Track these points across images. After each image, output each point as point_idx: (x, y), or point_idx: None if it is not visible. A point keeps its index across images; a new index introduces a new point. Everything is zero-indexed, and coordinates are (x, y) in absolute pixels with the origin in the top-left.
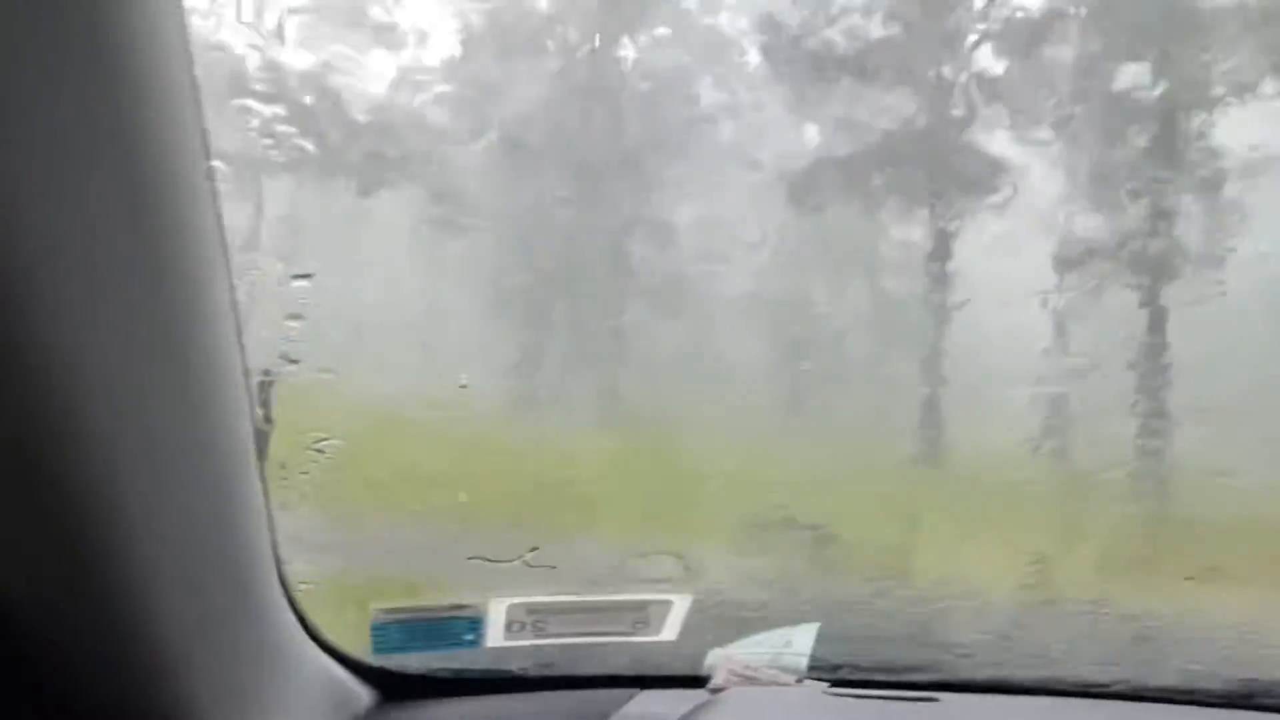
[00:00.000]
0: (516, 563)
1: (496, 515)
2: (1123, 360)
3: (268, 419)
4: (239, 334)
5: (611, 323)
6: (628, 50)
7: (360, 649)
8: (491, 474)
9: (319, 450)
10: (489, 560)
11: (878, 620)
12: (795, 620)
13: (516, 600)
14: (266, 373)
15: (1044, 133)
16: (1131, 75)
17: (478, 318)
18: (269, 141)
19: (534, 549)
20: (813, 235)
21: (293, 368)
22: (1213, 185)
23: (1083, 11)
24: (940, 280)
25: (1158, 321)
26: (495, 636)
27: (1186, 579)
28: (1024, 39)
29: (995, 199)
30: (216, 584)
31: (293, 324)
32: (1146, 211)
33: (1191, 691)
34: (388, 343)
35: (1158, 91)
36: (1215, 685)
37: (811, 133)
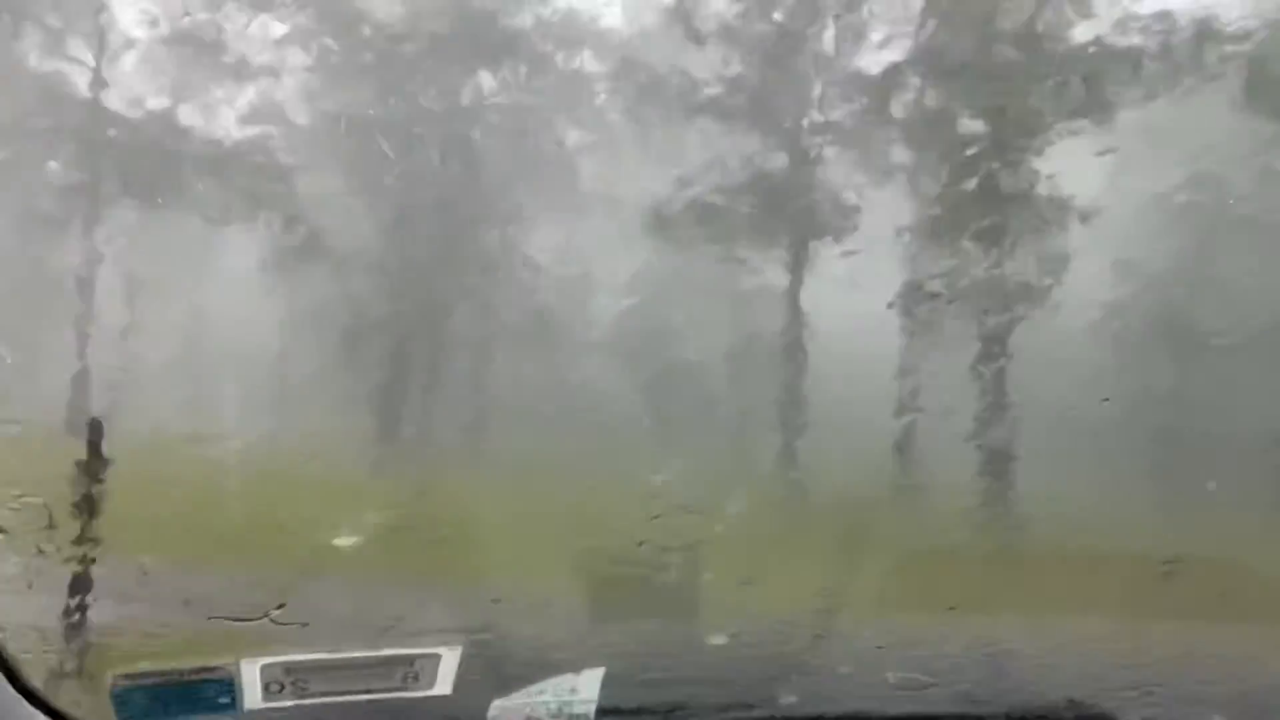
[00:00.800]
0: (262, 620)
1: (240, 571)
2: (954, 394)
3: None
4: None
5: (388, 355)
6: (488, 88)
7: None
8: (240, 526)
9: (15, 509)
10: (230, 619)
11: (668, 661)
12: (583, 665)
13: (270, 660)
14: None
15: (887, 175)
16: (967, 124)
17: (226, 358)
18: None
19: (280, 605)
20: (668, 271)
21: None
22: (1043, 228)
23: (921, 66)
24: (788, 315)
25: (992, 357)
26: (253, 699)
27: (957, 607)
28: (868, 90)
29: (842, 237)
30: None
31: None
32: (982, 251)
33: (977, 717)
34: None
35: (991, 138)
36: (1000, 709)
37: (668, 172)
